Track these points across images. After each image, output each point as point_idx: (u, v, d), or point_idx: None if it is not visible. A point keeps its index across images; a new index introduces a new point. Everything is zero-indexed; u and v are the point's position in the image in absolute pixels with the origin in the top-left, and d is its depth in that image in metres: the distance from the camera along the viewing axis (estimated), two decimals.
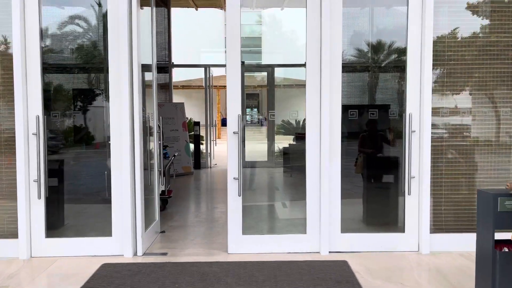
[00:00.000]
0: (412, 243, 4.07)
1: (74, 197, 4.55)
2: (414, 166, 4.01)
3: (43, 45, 3.96)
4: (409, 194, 4.02)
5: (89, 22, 4.27)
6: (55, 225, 4.32)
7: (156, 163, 4.70)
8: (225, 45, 3.92)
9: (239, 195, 3.96)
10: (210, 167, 10.72)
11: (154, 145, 4.70)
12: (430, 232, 4.03)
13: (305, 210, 4.06)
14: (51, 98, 4.26)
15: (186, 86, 19.54)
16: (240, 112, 3.91)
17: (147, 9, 4.67)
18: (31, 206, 3.90)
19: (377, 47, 4.44)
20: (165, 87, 10.94)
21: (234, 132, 3.93)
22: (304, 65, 4.03)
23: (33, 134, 3.82)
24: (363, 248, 4.05)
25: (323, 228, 3.98)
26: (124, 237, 3.92)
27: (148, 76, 4.72)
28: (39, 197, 3.85)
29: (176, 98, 12.70)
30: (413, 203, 4.06)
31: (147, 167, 4.61)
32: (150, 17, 4.64)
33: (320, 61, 3.91)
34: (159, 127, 5.98)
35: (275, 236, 4.14)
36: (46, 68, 4.10)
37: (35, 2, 3.80)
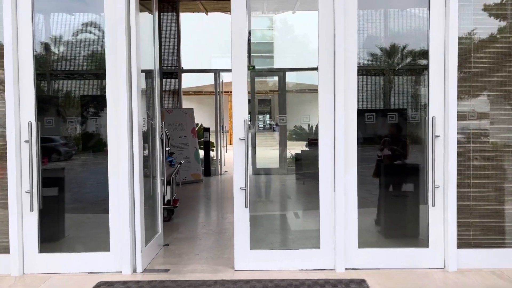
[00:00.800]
0: (437, 260, 3.69)
1: (78, 206, 4.30)
2: (438, 175, 3.65)
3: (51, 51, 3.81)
4: (433, 205, 3.65)
5: (92, 28, 4.06)
6: (55, 237, 4.08)
7: (159, 171, 4.42)
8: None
9: (246, 207, 3.64)
10: (221, 174, 10.44)
11: (157, 152, 4.42)
12: (457, 247, 3.65)
13: (319, 221, 3.73)
14: (59, 104, 4.09)
15: (198, 92, 19.36)
16: (246, 117, 3.62)
17: (150, 14, 4.43)
18: (23, 219, 3.64)
19: (393, 49, 4.19)
20: (175, 93, 10.74)
21: (240, 138, 3.63)
22: (316, 68, 3.73)
23: (25, 141, 3.58)
24: (383, 264, 3.69)
25: (338, 243, 3.64)
26: (123, 252, 3.63)
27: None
28: (32, 210, 3.59)
29: (188, 104, 12.50)
30: (437, 215, 3.69)
31: (149, 175, 4.34)
32: (152, 22, 4.39)
33: (333, 64, 3.61)
34: (163, 133, 5.72)
35: (285, 252, 3.80)
36: (57, 74, 3.99)
37: (28, 5, 3.58)
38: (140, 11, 4.28)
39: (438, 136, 3.64)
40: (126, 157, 3.59)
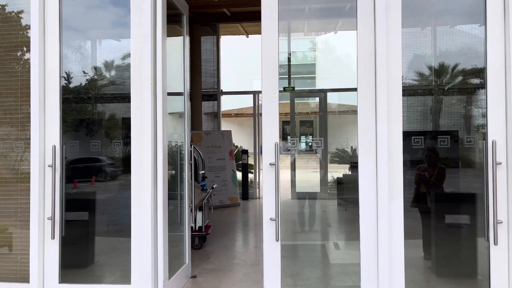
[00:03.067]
0: None
1: (110, 229, 4.20)
2: (501, 208, 3.13)
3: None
4: (495, 244, 3.13)
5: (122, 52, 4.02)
6: (84, 263, 3.94)
7: (187, 197, 4.18)
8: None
9: (277, 240, 3.29)
10: (259, 198, 10.12)
11: (185, 176, 4.20)
12: None
13: (359, 255, 3.31)
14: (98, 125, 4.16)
15: (239, 114, 19.37)
16: (277, 140, 3.32)
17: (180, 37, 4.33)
18: (44, 248, 3.50)
19: (442, 68, 3.89)
20: (215, 115, 10.69)
21: (270, 164, 3.32)
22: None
23: (48, 166, 3.47)
24: None
25: (382, 284, 3.19)
26: (144, 286, 3.39)
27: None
28: (53, 237, 3.45)
29: (229, 126, 12.41)
30: (501, 256, 3.15)
31: (177, 201, 4.13)
32: (182, 44, 4.26)
33: (375, 85, 3.26)
34: (195, 158, 5.52)
35: None
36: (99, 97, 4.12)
37: (56, 23, 3.54)
38: (172, 35, 4.17)
39: (500, 163, 3.14)
40: (150, 184, 3.39)
